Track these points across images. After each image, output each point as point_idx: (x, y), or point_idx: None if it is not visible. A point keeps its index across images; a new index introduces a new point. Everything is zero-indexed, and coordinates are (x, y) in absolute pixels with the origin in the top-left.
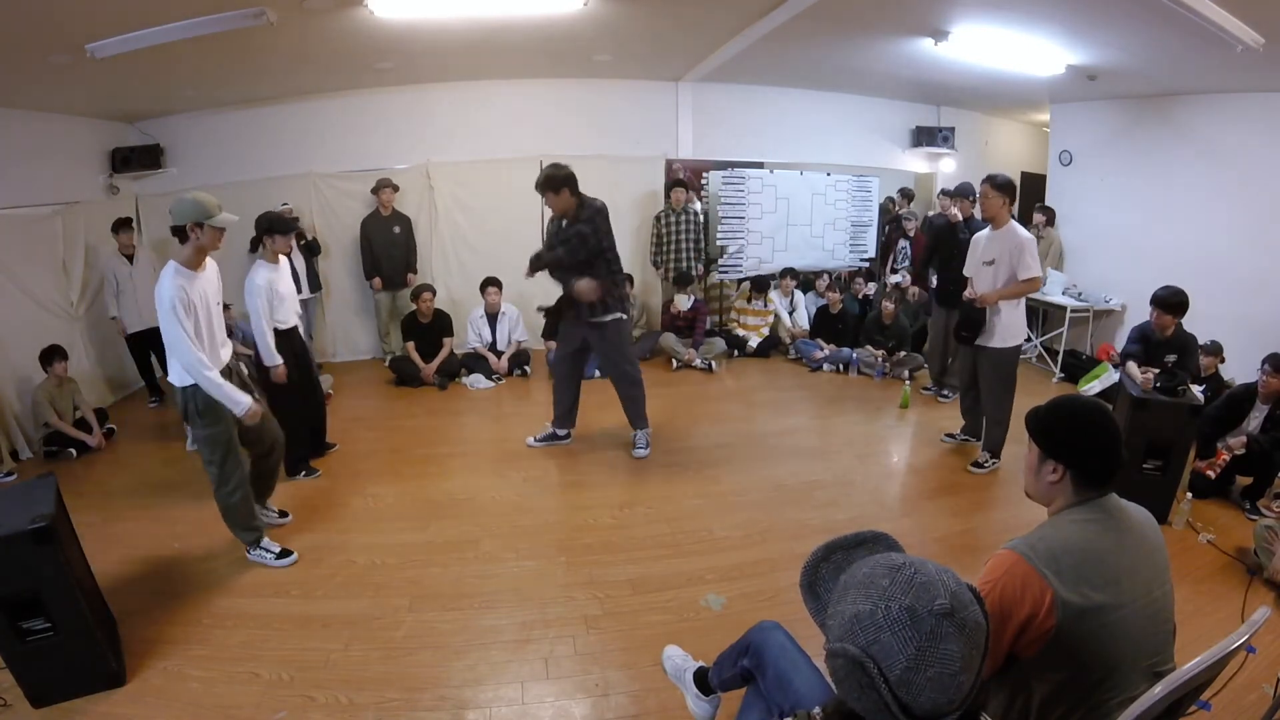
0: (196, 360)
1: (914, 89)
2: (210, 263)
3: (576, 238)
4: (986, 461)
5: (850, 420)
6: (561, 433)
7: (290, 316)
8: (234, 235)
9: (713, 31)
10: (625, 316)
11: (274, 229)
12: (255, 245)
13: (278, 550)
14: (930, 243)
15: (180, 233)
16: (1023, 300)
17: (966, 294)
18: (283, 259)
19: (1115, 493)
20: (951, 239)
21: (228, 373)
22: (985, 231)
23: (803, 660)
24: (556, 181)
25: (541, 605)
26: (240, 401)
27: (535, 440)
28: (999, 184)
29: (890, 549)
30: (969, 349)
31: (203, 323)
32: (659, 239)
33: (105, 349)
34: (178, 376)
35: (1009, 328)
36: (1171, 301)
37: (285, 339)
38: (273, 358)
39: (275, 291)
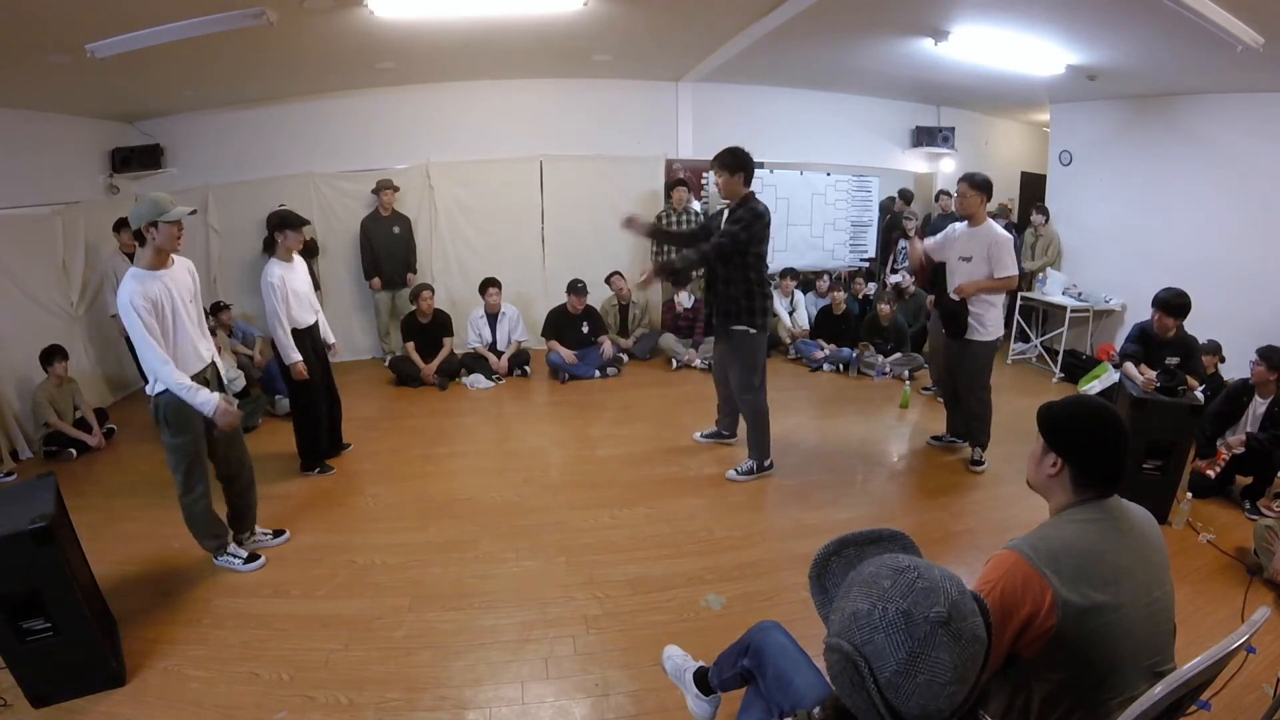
0: (157, 359)
1: (914, 89)
2: (182, 261)
3: (727, 237)
4: (981, 458)
5: (850, 420)
6: (725, 434)
7: (306, 315)
8: (243, 239)
9: (713, 31)
10: (755, 331)
11: (284, 225)
12: (269, 245)
13: (244, 555)
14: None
15: (140, 236)
16: (1001, 298)
17: (950, 288)
18: (298, 258)
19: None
20: None
21: (203, 383)
22: (963, 225)
23: (803, 660)
24: (734, 164)
25: (541, 605)
26: (206, 402)
27: (702, 435)
28: (977, 183)
29: (905, 549)
30: (950, 347)
31: (169, 322)
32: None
33: (105, 349)
34: (151, 386)
35: (986, 324)
36: (1174, 304)
37: (304, 337)
38: (291, 355)
39: (290, 289)
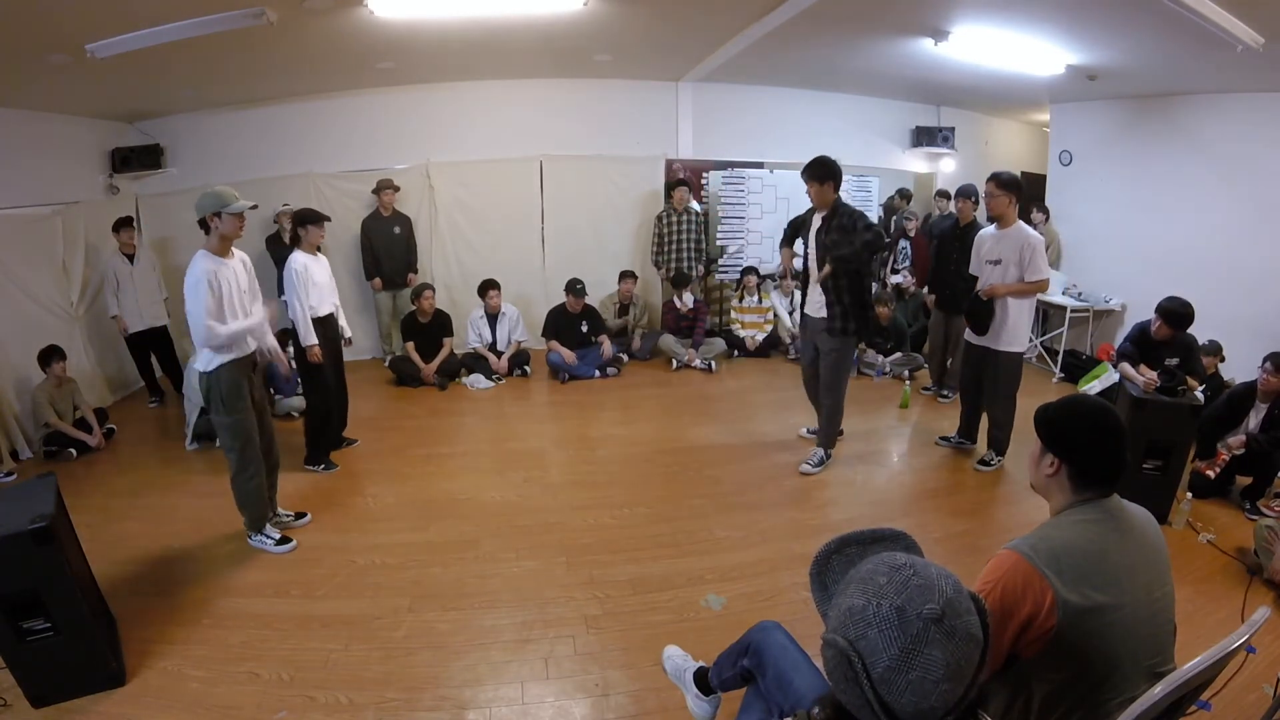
0: (205, 325)
1: (914, 89)
2: (239, 254)
3: (872, 234)
4: (993, 460)
5: (850, 420)
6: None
7: (325, 304)
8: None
9: (713, 31)
10: (855, 338)
11: (306, 221)
12: (293, 239)
13: (277, 536)
14: (935, 248)
15: (204, 225)
16: (1032, 303)
17: (978, 288)
18: (322, 254)
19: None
20: (953, 242)
21: (251, 365)
22: (991, 229)
23: (803, 660)
24: (824, 173)
25: (541, 605)
26: (252, 327)
27: (810, 466)
28: (1004, 182)
29: (908, 549)
30: (975, 353)
31: (226, 308)
32: (660, 239)
33: (105, 349)
34: (201, 363)
35: (1015, 330)
36: (1177, 314)
37: (321, 326)
38: (308, 338)
39: (311, 278)
